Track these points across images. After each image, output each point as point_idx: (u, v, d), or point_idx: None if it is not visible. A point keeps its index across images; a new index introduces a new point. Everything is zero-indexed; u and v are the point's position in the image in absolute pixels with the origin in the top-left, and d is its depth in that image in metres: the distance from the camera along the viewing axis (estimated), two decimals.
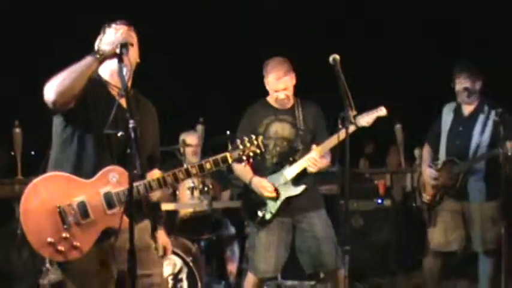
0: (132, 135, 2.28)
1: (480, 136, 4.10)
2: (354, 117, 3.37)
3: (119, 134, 2.53)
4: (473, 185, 4.12)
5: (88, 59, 2.48)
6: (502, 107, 3.85)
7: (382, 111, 3.56)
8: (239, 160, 2.73)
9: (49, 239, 2.49)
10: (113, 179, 2.57)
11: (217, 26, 6.87)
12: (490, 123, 4.10)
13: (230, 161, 2.70)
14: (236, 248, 4.87)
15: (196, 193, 4.62)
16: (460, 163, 4.11)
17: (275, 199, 3.64)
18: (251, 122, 3.73)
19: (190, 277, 4.10)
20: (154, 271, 2.77)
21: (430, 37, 6.96)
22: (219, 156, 2.68)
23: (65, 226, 2.51)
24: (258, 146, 2.74)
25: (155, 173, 2.74)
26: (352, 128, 3.41)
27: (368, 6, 6.96)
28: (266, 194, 3.61)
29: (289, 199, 3.65)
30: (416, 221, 4.71)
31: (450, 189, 4.16)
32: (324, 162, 3.65)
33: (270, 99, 3.79)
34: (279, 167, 3.69)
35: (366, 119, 3.54)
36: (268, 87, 3.72)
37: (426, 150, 4.47)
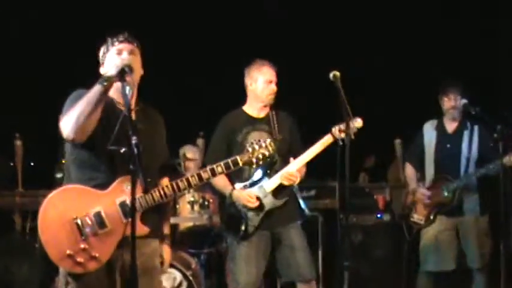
0: (135, 151, 2.30)
1: (468, 152, 4.12)
2: (332, 128, 3.49)
3: (122, 150, 2.56)
4: (469, 200, 4.13)
5: (97, 89, 2.50)
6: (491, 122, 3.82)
7: (358, 123, 3.48)
8: (249, 163, 2.75)
9: (68, 251, 2.53)
10: (128, 188, 2.57)
11: (219, 38, 6.90)
12: (475, 139, 4.14)
13: (241, 164, 2.73)
14: None
15: (196, 207, 4.65)
16: (455, 180, 4.10)
17: (257, 211, 3.61)
18: (228, 131, 3.71)
19: None
20: None
21: (424, 49, 6.98)
22: (229, 160, 2.73)
23: (83, 237, 2.55)
24: (266, 148, 2.76)
25: (165, 181, 2.81)
26: (329, 139, 3.51)
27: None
28: (250, 205, 3.58)
29: (269, 211, 3.64)
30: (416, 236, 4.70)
31: (445, 206, 4.14)
32: (300, 175, 3.66)
33: (246, 108, 3.80)
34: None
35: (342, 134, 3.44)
36: (254, 86, 3.71)
37: (410, 170, 4.44)
